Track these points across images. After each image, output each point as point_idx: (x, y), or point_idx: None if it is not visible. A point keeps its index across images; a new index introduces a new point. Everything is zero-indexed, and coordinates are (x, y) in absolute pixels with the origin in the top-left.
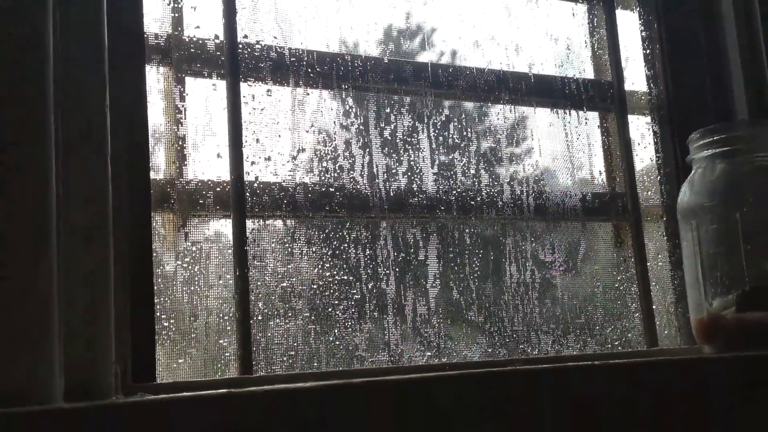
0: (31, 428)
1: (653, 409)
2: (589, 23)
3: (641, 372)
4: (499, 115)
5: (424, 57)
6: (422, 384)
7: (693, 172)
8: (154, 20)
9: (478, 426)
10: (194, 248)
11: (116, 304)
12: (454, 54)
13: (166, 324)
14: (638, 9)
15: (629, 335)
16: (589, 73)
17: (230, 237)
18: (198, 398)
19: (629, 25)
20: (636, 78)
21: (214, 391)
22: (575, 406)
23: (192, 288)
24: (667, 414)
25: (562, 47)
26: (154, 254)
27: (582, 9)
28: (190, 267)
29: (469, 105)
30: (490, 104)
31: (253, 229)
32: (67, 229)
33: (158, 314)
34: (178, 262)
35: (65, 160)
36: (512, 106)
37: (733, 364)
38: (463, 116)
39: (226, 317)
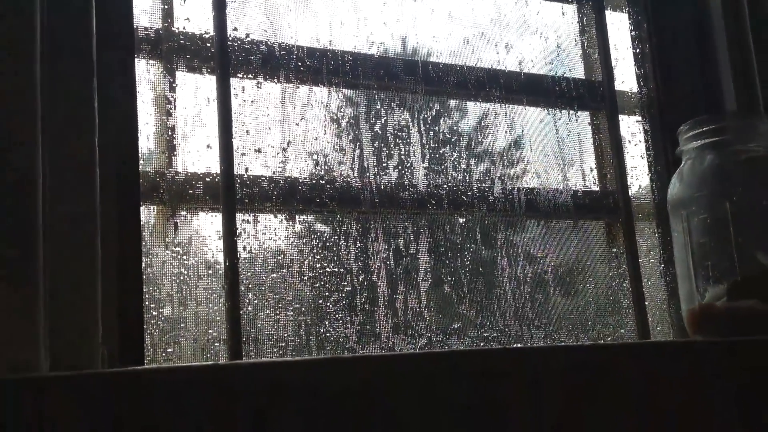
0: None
1: (645, 393)
2: (579, 22)
3: (633, 353)
4: (490, 112)
5: (414, 53)
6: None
7: (683, 163)
8: (144, 12)
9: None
10: (184, 239)
11: (104, 291)
12: (443, 51)
13: (155, 313)
14: (627, 9)
15: (622, 331)
16: (580, 72)
17: (220, 228)
18: (184, 369)
19: (619, 24)
20: (626, 77)
21: (202, 363)
22: (566, 389)
23: (181, 278)
24: (660, 399)
25: (552, 46)
26: (144, 244)
27: (571, 9)
28: (179, 257)
29: (459, 101)
30: (480, 101)
31: (243, 220)
32: (54, 218)
33: (147, 303)
34: (167, 253)
35: (52, 149)
36: (503, 104)
37: (725, 349)
38: (454, 112)
39: (215, 307)
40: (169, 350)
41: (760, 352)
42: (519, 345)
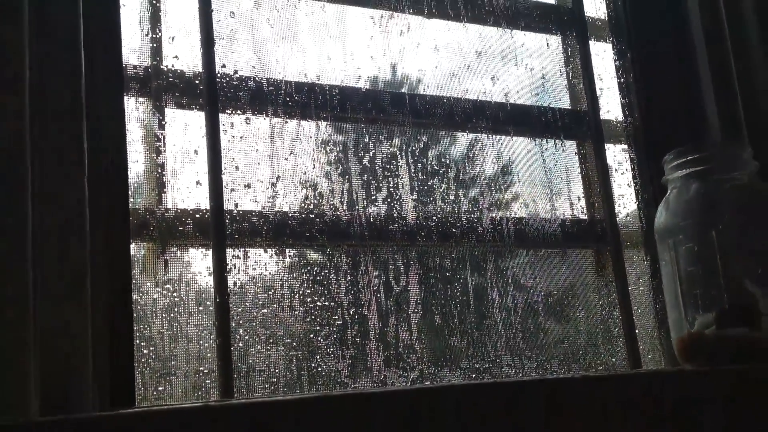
0: None
1: (636, 423)
2: (563, 53)
3: (623, 385)
4: (478, 142)
5: (401, 87)
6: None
7: (668, 192)
8: (133, 51)
9: None
10: (174, 275)
11: (94, 331)
12: (430, 83)
13: (145, 351)
14: (611, 39)
15: (613, 359)
16: (566, 102)
17: (210, 264)
18: (176, 411)
19: (603, 54)
20: (612, 106)
21: (193, 404)
22: (560, 421)
23: (172, 315)
24: (651, 428)
25: (537, 77)
26: (134, 281)
27: (556, 40)
28: (169, 294)
29: (447, 133)
30: (467, 132)
31: (233, 256)
32: (44, 254)
33: (137, 341)
34: (157, 290)
35: (41, 187)
36: (490, 135)
37: (714, 378)
38: (441, 144)
39: (206, 344)
40: (160, 388)
41: (750, 381)
42: (510, 377)
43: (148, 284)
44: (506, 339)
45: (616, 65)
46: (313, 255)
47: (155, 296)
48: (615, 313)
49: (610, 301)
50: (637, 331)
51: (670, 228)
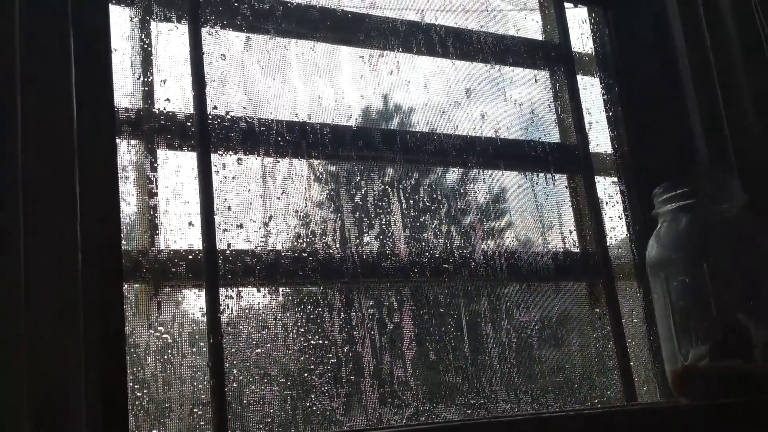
0: None
1: None
2: (551, 88)
3: (617, 420)
4: (468, 178)
5: (392, 124)
6: None
7: (659, 225)
8: (125, 95)
9: None
10: (167, 317)
11: (88, 376)
12: (421, 121)
13: (139, 394)
14: (598, 73)
15: (608, 392)
16: (555, 136)
17: (203, 305)
18: None
19: (591, 88)
20: (601, 139)
21: None
22: None
23: (165, 357)
24: None
25: (526, 112)
26: (127, 324)
27: (544, 75)
28: (163, 336)
29: (438, 169)
30: (458, 168)
31: (226, 296)
32: (36, 299)
33: (131, 384)
34: (151, 332)
35: (34, 231)
36: (480, 170)
37: (709, 413)
38: (433, 180)
39: (200, 385)
40: (154, 431)
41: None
42: (506, 413)
43: (142, 326)
44: (501, 374)
45: (604, 99)
46: (306, 293)
47: (148, 338)
48: (609, 346)
49: (604, 334)
50: (631, 363)
51: (662, 261)
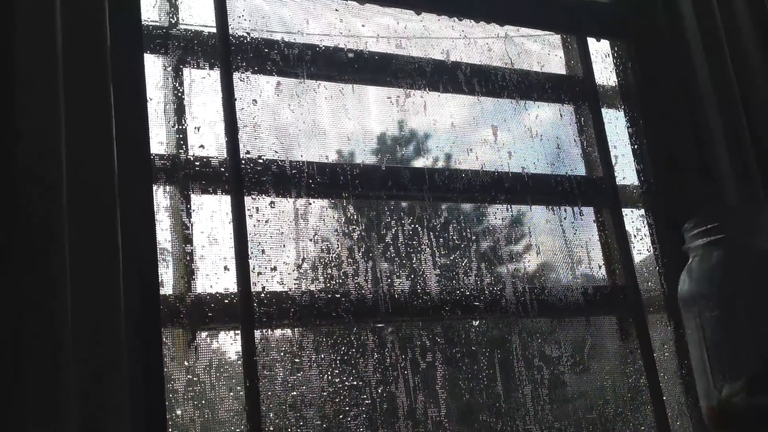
0: None
1: None
2: (576, 122)
3: None
4: (497, 214)
5: (420, 163)
6: None
7: (690, 260)
8: (160, 143)
9: None
10: (204, 362)
11: (132, 420)
12: (449, 158)
13: None
14: (623, 107)
15: (642, 428)
16: (581, 170)
17: (239, 348)
18: None
19: (616, 122)
20: (627, 172)
21: None
22: None
23: (203, 401)
24: None
25: (552, 146)
26: (165, 369)
27: (569, 109)
28: (200, 381)
29: (466, 206)
30: (487, 204)
31: (261, 339)
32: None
33: (171, 430)
34: (188, 377)
35: (78, 280)
36: (508, 206)
37: None
38: (462, 218)
39: (237, 429)
40: None
41: None
42: None
43: (180, 371)
44: (534, 411)
45: (629, 132)
46: (339, 334)
47: (186, 383)
48: (642, 380)
49: (636, 369)
50: (664, 397)
51: (695, 296)
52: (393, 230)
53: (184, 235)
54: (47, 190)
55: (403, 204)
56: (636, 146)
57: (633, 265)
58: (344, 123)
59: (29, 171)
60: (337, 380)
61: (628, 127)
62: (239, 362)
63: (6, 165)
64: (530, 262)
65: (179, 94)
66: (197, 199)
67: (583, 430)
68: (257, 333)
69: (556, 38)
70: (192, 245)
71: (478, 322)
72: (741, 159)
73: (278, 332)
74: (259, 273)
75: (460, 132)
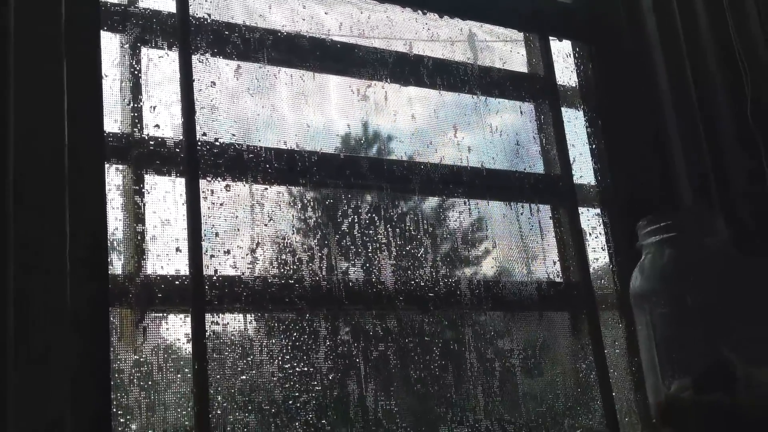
0: None
1: None
2: (536, 120)
3: None
4: (455, 208)
5: (379, 153)
6: None
7: (643, 257)
8: (115, 121)
9: None
10: (153, 343)
11: (73, 401)
12: (408, 150)
13: (122, 420)
14: (582, 107)
15: (591, 423)
16: (539, 168)
17: (189, 331)
18: None
19: (575, 121)
20: (584, 171)
21: None
22: None
23: (150, 383)
24: None
25: (511, 143)
26: (112, 349)
27: (529, 107)
28: (147, 362)
29: (424, 199)
30: (444, 197)
31: (212, 322)
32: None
33: (114, 410)
34: (135, 357)
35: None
36: (466, 200)
37: None
38: (419, 210)
39: (184, 412)
40: None
41: None
42: None
43: (127, 352)
44: (485, 403)
45: (588, 131)
46: (292, 320)
47: (133, 364)
48: (592, 376)
49: (587, 364)
50: (614, 393)
51: (646, 293)
52: (349, 219)
53: (135, 215)
54: None
55: (362, 193)
56: (594, 146)
57: (587, 262)
58: (304, 110)
59: None
60: (287, 366)
61: (586, 127)
62: (188, 345)
63: None
64: (486, 257)
65: (136, 73)
66: (150, 179)
67: (532, 423)
68: (208, 316)
69: (518, 36)
70: (144, 225)
71: (431, 313)
72: (696, 163)
73: (230, 316)
74: (212, 256)
75: (420, 125)
